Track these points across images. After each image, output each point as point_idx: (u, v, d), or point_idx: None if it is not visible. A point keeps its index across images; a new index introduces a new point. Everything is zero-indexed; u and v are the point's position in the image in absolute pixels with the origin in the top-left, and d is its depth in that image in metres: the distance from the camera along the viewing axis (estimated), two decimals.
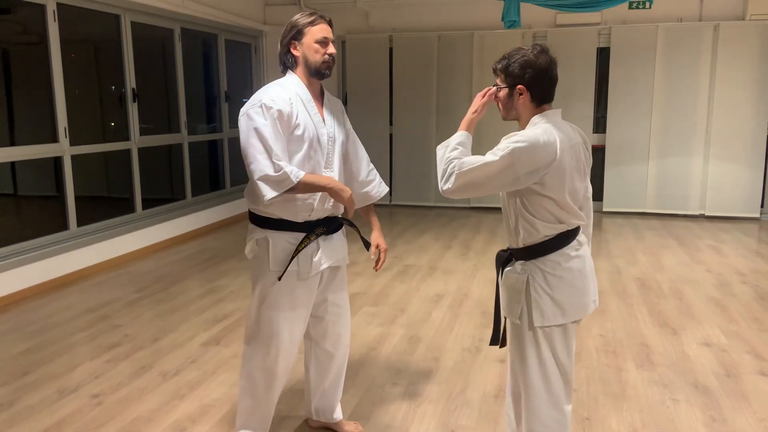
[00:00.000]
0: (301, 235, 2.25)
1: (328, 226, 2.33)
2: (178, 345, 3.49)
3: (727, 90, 6.91)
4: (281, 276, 2.22)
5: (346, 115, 2.50)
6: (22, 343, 3.54)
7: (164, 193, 6.43)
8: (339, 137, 2.35)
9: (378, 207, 8.54)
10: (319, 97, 2.33)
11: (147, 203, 5.82)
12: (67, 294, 4.45)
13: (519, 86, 1.91)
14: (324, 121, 2.29)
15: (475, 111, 2.07)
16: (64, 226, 4.89)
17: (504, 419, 2.46)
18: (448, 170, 1.94)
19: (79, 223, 5.00)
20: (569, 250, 1.94)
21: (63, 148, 4.82)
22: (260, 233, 2.26)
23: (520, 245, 1.97)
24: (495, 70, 1.98)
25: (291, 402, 2.83)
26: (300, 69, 2.25)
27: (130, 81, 5.52)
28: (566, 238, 1.94)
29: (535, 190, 1.87)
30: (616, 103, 7.24)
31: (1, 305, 4.18)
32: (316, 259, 2.28)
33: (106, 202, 6.57)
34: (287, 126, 2.16)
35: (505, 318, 2.08)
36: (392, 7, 7.82)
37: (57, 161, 4.87)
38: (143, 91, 5.72)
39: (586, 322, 3.74)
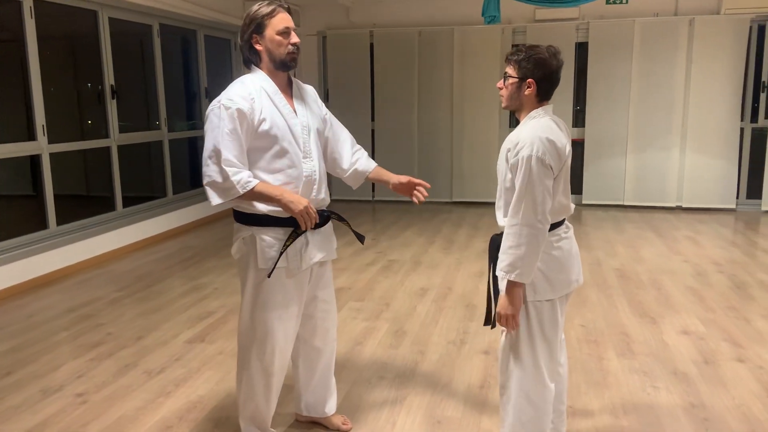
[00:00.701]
0: (289, 230, 2.22)
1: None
2: (162, 343, 3.48)
3: (702, 84, 7.03)
4: (270, 273, 2.20)
5: (320, 101, 2.46)
6: (4, 343, 3.50)
7: (145, 191, 6.37)
8: (314, 125, 2.32)
9: (361, 203, 8.50)
10: (287, 87, 2.29)
11: (127, 201, 5.77)
12: (48, 293, 4.41)
13: (529, 80, 2.02)
14: (295, 111, 2.26)
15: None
16: (44, 225, 4.83)
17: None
18: (531, 235, 1.95)
19: (59, 222, 4.94)
20: (560, 231, 2.09)
21: (41, 146, 4.75)
22: (246, 231, 2.23)
23: None
24: (509, 60, 2.07)
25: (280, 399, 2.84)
26: (264, 63, 2.22)
27: (109, 78, 5.46)
28: (560, 222, 2.09)
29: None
30: (595, 97, 7.33)
31: None
32: (305, 253, 2.26)
33: (85, 201, 6.49)
34: (249, 124, 2.12)
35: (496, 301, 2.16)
36: (372, 3, 7.82)
37: (34, 160, 4.80)
38: (122, 88, 5.66)
39: (567, 312, 3.80)
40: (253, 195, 2.12)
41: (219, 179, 2.08)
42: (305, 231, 2.24)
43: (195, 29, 6.79)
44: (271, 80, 2.22)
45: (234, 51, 7.50)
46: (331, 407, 2.60)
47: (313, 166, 2.27)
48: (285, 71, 2.25)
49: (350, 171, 2.49)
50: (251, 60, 2.24)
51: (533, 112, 2.05)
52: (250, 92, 2.15)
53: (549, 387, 2.10)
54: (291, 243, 2.21)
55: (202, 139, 7.29)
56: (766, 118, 7.02)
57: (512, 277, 1.97)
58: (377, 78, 7.90)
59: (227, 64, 7.55)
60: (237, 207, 2.25)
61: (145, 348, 3.42)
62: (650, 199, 7.35)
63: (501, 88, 2.10)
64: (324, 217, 2.35)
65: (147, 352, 3.37)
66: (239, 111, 2.09)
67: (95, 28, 5.35)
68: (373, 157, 8.67)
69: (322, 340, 2.48)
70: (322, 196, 2.33)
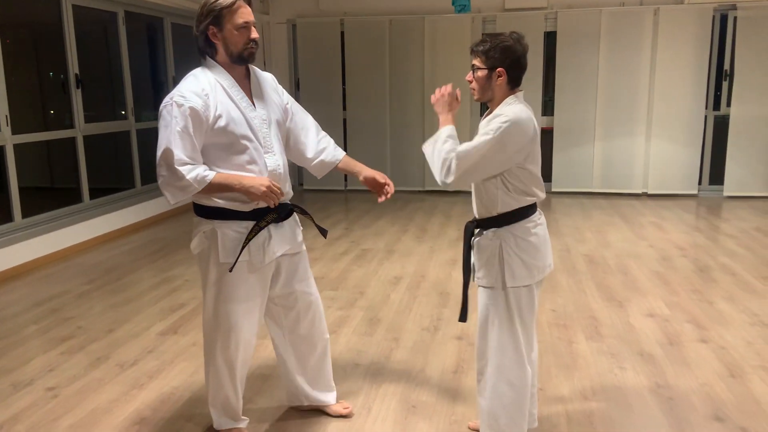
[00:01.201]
0: (251, 224, 2.19)
1: (279, 212, 2.26)
2: (134, 335, 3.45)
3: (666, 73, 7.18)
4: (232, 267, 2.17)
5: (280, 89, 2.40)
6: None
7: (112, 182, 6.26)
8: (274, 117, 2.27)
9: (333, 193, 8.49)
10: (245, 79, 2.23)
11: (94, 193, 5.67)
12: (15, 287, 4.32)
13: (499, 69, 2.04)
14: (254, 104, 2.21)
15: (450, 109, 2.18)
16: (9, 218, 4.72)
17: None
18: (446, 162, 2.05)
19: (24, 215, 4.84)
20: (535, 218, 2.15)
21: (5, 138, 4.63)
22: (207, 225, 2.19)
23: (494, 214, 2.11)
24: (475, 51, 2.07)
25: (269, 389, 2.85)
26: (221, 56, 2.15)
27: (73, 67, 5.34)
28: (532, 207, 2.15)
29: (522, 163, 2.04)
30: (563, 86, 7.43)
31: None
32: (268, 247, 2.23)
33: (50, 193, 6.37)
34: (202, 122, 2.06)
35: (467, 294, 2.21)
36: None
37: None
38: (87, 77, 5.53)
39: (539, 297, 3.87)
40: (212, 188, 2.09)
41: (173, 179, 2.04)
42: (267, 224, 2.22)
43: (161, 17, 6.67)
44: (227, 73, 2.16)
45: None
46: (333, 397, 2.60)
47: (276, 160, 2.23)
48: (242, 65, 2.19)
49: (316, 161, 2.45)
50: (206, 51, 2.17)
51: (508, 99, 2.07)
52: (204, 87, 2.09)
53: (527, 369, 2.15)
54: (253, 237, 2.18)
55: None
56: (728, 106, 7.20)
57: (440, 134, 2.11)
58: (348, 67, 7.87)
59: (195, 52, 7.42)
60: (196, 200, 2.21)
61: (116, 341, 3.38)
62: (617, 186, 7.50)
63: (471, 81, 2.10)
64: (287, 210, 2.32)
65: (118, 344, 3.33)
66: (192, 109, 2.04)
67: (58, 16, 5.21)
68: (345, 147, 8.66)
69: (307, 330, 2.46)
70: (286, 189, 2.31)
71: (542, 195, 2.16)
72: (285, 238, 2.30)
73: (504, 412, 2.15)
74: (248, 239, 2.17)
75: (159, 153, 2.05)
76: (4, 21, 4.62)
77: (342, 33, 7.81)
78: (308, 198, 7.66)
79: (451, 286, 4.23)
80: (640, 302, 3.86)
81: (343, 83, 7.93)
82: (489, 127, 2.00)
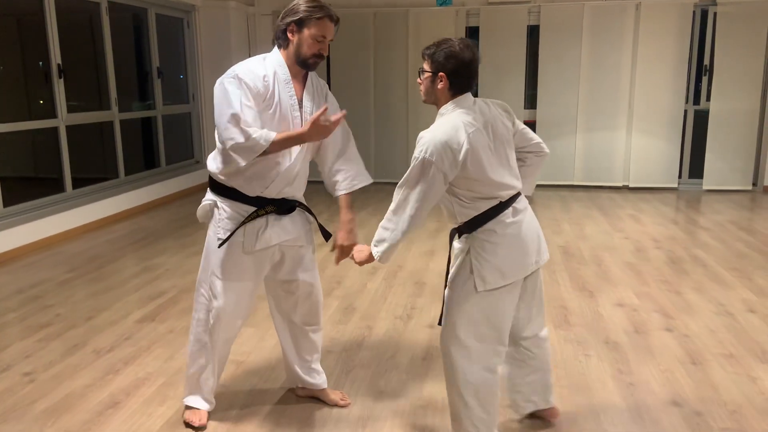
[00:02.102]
0: (251, 209, 2.29)
1: (279, 207, 2.34)
2: (112, 323, 3.50)
3: (647, 67, 7.26)
4: (221, 244, 2.28)
5: (331, 99, 2.44)
6: None
7: (96, 172, 6.29)
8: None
9: (318, 184, 8.53)
10: (302, 79, 2.32)
11: (78, 183, 5.69)
12: None
13: (440, 74, 2.04)
14: (300, 104, 2.29)
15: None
16: None
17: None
18: (399, 229, 2.08)
19: (6, 204, 4.87)
20: (504, 217, 2.09)
21: None
22: (211, 198, 2.34)
23: (460, 222, 2.13)
24: (424, 55, 2.11)
25: (271, 374, 2.91)
26: (289, 52, 2.24)
27: (56, 56, 5.35)
28: (500, 208, 2.09)
29: (460, 175, 2.01)
30: (546, 79, 7.49)
31: None
32: (262, 234, 2.31)
33: (32, 183, 6.38)
34: (259, 101, 2.17)
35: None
36: None
37: None
38: (70, 67, 5.55)
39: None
40: (275, 145, 2.14)
41: (242, 140, 2.11)
42: (266, 214, 2.31)
43: (146, 7, 6.68)
44: (287, 66, 2.25)
45: (187, 30, 7.40)
46: (323, 381, 2.66)
47: (294, 162, 2.30)
48: (302, 68, 2.28)
49: (326, 181, 2.52)
50: (279, 41, 2.26)
51: (442, 108, 2.08)
52: (265, 74, 2.20)
53: (496, 374, 2.16)
54: (250, 220, 2.29)
55: (154, 119, 7.19)
56: (708, 100, 7.30)
57: (375, 253, 2.12)
58: (333, 59, 7.90)
59: (179, 43, 7.45)
60: (213, 175, 2.33)
61: (94, 328, 3.44)
62: (598, 179, 7.59)
63: (420, 84, 2.13)
64: (289, 206, 2.39)
65: (96, 332, 3.39)
66: (252, 87, 2.14)
67: (41, 5, 5.22)
68: None
69: (302, 318, 2.55)
70: (295, 184, 2.38)
71: (506, 194, 2.09)
72: (283, 230, 2.37)
73: (473, 419, 2.15)
74: (244, 222, 2.28)
75: (224, 118, 2.12)
76: None
77: None
78: None
79: (428, 276, 4.30)
80: (610, 292, 3.95)
81: (328, 76, 7.96)
82: (414, 154, 2.01)
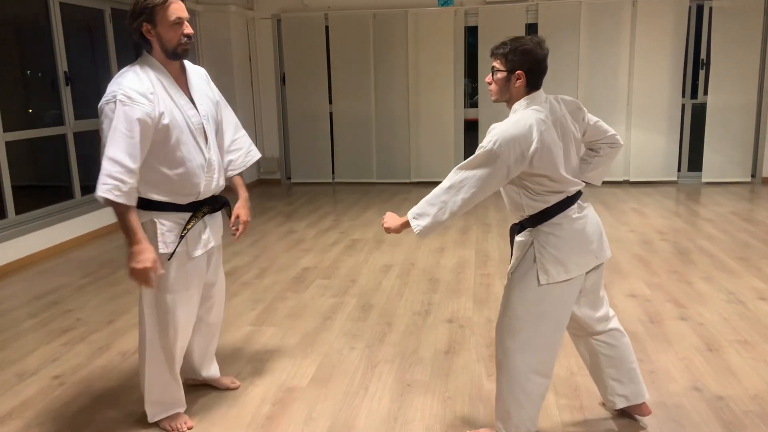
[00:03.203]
0: (187, 215, 2.28)
1: (213, 204, 2.38)
2: (133, 325, 3.53)
3: (645, 63, 7.35)
4: (170, 256, 2.24)
5: (211, 83, 2.43)
6: None
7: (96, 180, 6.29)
8: (210, 112, 2.33)
9: (321, 185, 8.53)
10: (181, 74, 2.28)
11: (87, 190, 5.71)
12: (11, 282, 4.37)
13: (518, 71, 2.06)
14: (193, 101, 2.26)
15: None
16: (2, 215, 4.77)
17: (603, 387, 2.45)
18: (447, 208, 2.07)
19: (18, 211, 4.88)
20: (571, 212, 2.12)
21: None
22: (145, 216, 2.22)
23: (526, 216, 2.15)
24: (495, 54, 2.11)
25: (298, 371, 2.95)
26: (156, 52, 2.18)
27: (62, 64, 5.37)
28: (567, 202, 2.11)
29: (528, 171, 2.04)
30: (545, 77, 7.54)
31: None
32: (204, 237, 2.35)
33: (36, 191, 6.38)
34: (149, 126, 2.09)
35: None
36: None
37: None
38: (73, 74, 5.56)
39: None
40: (119, 213, 2.09)
41: (104, 179, 2.04)
42: (204, 215, 2.33)
43: None
44: (165, 70, 2.20)
45: (195, 34, 7.42)
46: (216, 370, 2.75)
47: (211, 155, 2.31)
48: (176, 60, 2.22)
49: (225, 161, 2.50)
50: (143, 47, 2.20)
51: (516, 105, 2.10)
52: (148, 87, 2.11)
53: (549, 376, 2.19)
54: (191, 227, 2.28)
55: None
56: (705, 94, 7.40)
57: (415, 226, 2.12)
58: (333, 61, 7.95)
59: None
60: (142, 195, 2.23)
61: (117, 331, 3.47)
62: None
63: (490, 83, 2.13)
64: (221, 203, 2.43)
65: (119, 334, 3.42)
66: (139, 118, 2.05)
67: (46, 14, 5.24)
68: (331, 140, 8.69)
69: (216, 317, 2.65)
70: (221, 182, 2.41)
71: (574, 189, 2.11)
72: (218, 229, 2.45)
73: (517, 413, 2.19)
74: (186, 230, 2.27)
75: (105, 155, 2.05)
76: None
77: (326, 27, 7.89)
78: (296, 191, 7.75)
79: (441, 273, 4.36)
80: (622, 284, 4.01)
81: (329, 77, 8.01)
82: (481, 143, 2.03)
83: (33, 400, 2.72)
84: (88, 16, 5.96)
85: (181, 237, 2.26)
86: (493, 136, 2.01)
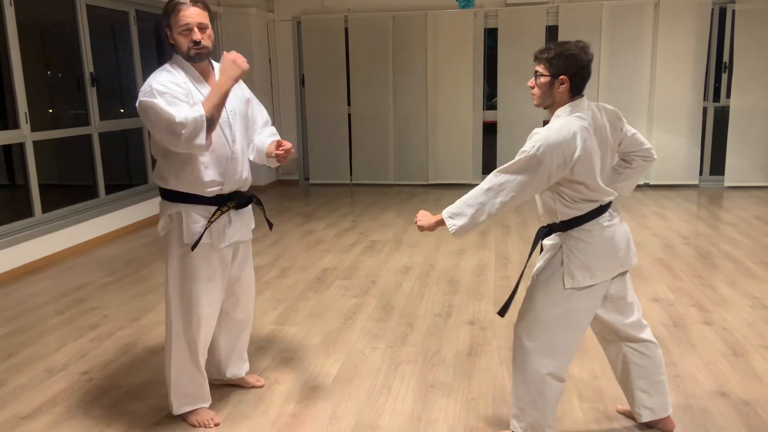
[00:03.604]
0: (213, 209, 2.35)
1: (239, 200, 2.43)
2: (159, 322, 3.57)
3: (667, 65, 7.30)
4: (194, 246, 2.31)
5: (241, 82, 2.48)
6: (1, 328, 3.56)
7: (123, 179, 6.39)
8: (237, 108, 2.41)
9: (339, 186, 8.57)
10: (210, 72, 2.37)
11: (108, 189, 5.79)
12: (38, 280, 4.45)
13: (562, 77, 2.05)
14: None
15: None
16: (29, 213, 4.85)
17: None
18: (485, 210, 2.08)
19: (44, 210, 4.97)
20: (602, 220, 2.12)
21: (24, 135, 4.76)
22: (173, 208, 2.34)
23: (557, 222, 2.15)
24: (539, 59, 2.10)
25: (321, 370, 2.98)
26: (180, 53, 2.28)
27: (88, 65, 5.46)
28: (600, 210, 2.12)
29: (567, 178, 2.04)
30: None
31: None
32: (228, 230, 2.40)
33: (59, 190, 6.48)
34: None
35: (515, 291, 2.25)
36: None
37: (7, 149, 4.80)
38: (98, 75, 5.65)
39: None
40: (210, 111, 2.16)
41: (184, 131, 2.12)
42: (229, 209, 2.39)
43: None
44: (193, 68, 2.30)
45: (216, 36, 7.50)
46: (246, 369, 2.80)
47: (237, 148, 2.38)
48: (197, 62, 2.30)
49: (251, 149, 2.54)
50: (172, 50, 2.30)
51: (559, 110, 2.09)
52: (178, 81, 2.23)
53: (563, 379, 2.19)
54: (216, 219, 2.35)
55: None
56: (727, 97, 7.33)
57: (450, 225, 2.13)
58: (352, 63, 7.98)
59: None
60: (163, 185, 2.35)
61: (142, 328, 3.52)
62: None
63: (532, 87, 2.13)
64: (247, 198, 2.47)
65: (145, 331, 3.47)
66: (174, 92, 2.17)
67: (73, 15, 5.33)
68: (349, 142, 8.72)
69: (243, 313, 2.66)
70: (245, 175, 2.45)
71: (607, 198, 2.12)
72: (243, 225, 2.49)
73: (530, 412, 2.20)
74: (210, 222, 2.34)
75: (156, 128, 2.16)
76: (19, 21, 4.73)
77: (346, 29, 7.93)
78: (314, 192, 7.79)
79: (460, 275, 4.36)
80: (645, 288, 3.99)
81: (348, 79, 8.05)
82: (523, 147, 2.03)
83: (62, 395, 2.77)
84: (112, 18, 6.05)
85: (206, 228, 2.32)
86: (535, 141, 2.01)
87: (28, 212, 4.86)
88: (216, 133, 2.29)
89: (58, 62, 5.90)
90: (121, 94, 6.33)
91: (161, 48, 7.03)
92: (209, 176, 2.32)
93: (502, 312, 2.26)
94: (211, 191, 2.34)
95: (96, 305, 3.90)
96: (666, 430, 2.40)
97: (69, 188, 6.40)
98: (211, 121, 2.18)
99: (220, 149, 2.33)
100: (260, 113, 2.61)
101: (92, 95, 5.51)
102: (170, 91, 2.17)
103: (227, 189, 2.38)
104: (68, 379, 2.92)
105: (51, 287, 4.28)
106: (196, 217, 2.33)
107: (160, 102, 2.13)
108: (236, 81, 2.23)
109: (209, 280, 2.40)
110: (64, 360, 3.12)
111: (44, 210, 4.98)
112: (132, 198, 5.97)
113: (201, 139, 2.15)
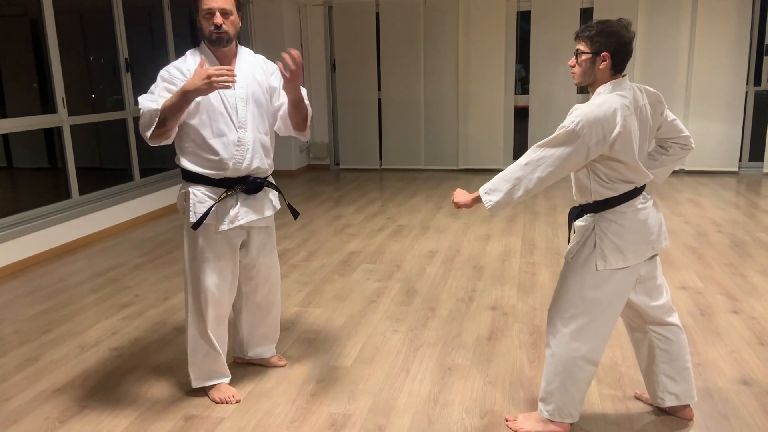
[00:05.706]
0: (221, 191, 2.42)
1: (248, 185, 2.46)
2: None
3: (706, 47, 7.09)
4: (195, 225, 2.39)
5: (271, 70, 2.51)
6: (38, 305, 3.72)
7: (158, 162, 6.54)
8: (253, 95, 2.42)
9: (368, 171, 8.60)
10: (232, 58, 2.43)
11: (143, 173, 5.94)
12: (74, 260, 4.62)
13: (604, 53, 2.03)
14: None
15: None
16: (67, 195, 5.02)
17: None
18: (522, 185, 2.09)
19: (81, 192, 5.13)
20: (636, 202, 2.11)
21: (62, 119, 4.91)
22: (184, 187, 2.46)
23: (590, 202, 2.14)
24: (580, 37, 2.10)
25: (343, 351, 3.04)
26: (204, 38, 2.38)
27: (123, 51, 5.59)
28: (635, 192, 2.11)
29: (606, 156, 2.03)
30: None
31: (12, 271, 4.34)
32: (233, 213, 2.44)
33: (98, 173, 6.68)
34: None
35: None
36: None
37: (48, 133, 4.96)
38: (133, 61, 5.77)
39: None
40: (165, 112, 2.24)
41: (141, 122, 2.33)
42: (236, 193, 2.44)
43: None
44: (211, 54, 2.38)
45: (248, 22, 7.59)
46: (272, 351, 2.86)
47: (246, 135, 2.41)
48: (218, 47, 2.37)
49: (283, 118, 2.55)
50: (199, 32, 2.38)
51: (600, 88, 2.07)
52: (189, 68, 2.33)
53: (596, 363, 2.19)
54: (220, 200, 2.41)
55: None
56: None
57: (486, 201, 2.13)
58: (383, 48, 7.97)
59: (242, 34, 7.63)
60: (177, 162, 2.46)
61: (172, 307, 3.63)
62: None
63: (573, 66, 2.10)
64: (257, 184, 2.49)
65: (174, 311, 3.57)
66: (169, 80, 2.32)
67: (108, 1, 5.45)
68: (380, 127, 8.73)
69: (264, 297, 2.71)
70: (255, 164, 2.46)
71: (642, 181, 2.11)
72: (252, 209, 2.50)
73: (560, 395, 2.20)
74: (215, 203, 2.41)
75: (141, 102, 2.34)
76: (56, 7, 4.86)
77: (377, 14, 7.91)
78: (344, 177, 7.84)
79: (486, 260, 4.36)
80: (673, 275, 3.93)
81: (378, 64, 8.04)
82: (563, 123, 2.02)
83: (93, 369, 2.89)
84: (147, 4, 6.17)
85: (209, 209, 2.39)
86: (575, 117, 2.00)
87: (66, 194, 5.04)
88: (222, 119, 2.36)
89: (98, 48, 6.04)
90: (155, 79, 6.45)
91: (195, 34, 7.13)
92: (211, 159, 2.38)
93: None
94: (215, 174, 2.40)
95: (128, 285, 4.04)
96: (685, 418, 2.37)
97: (107, 172, 6.59)
98: (164, 120, 2.25)
99: (227, 133, 2.38)
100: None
101: (127, 80, 5.65)
102: (171, 80, 2.31)
103: (233, 173, 2.42)
104: (100, 355, 3.04)
105: (86, 267, 4.44)
106: (201, 197, 2.41)
107: (151, 88, 2.32)
108: (197, 90, 2.18)
109: (216, 260, 2.47)
110: (96, 337, 3.25)
111: (81, 193, 5.14)
112: (165, 182, 6.11)
113: (148, 133, 2.29)
